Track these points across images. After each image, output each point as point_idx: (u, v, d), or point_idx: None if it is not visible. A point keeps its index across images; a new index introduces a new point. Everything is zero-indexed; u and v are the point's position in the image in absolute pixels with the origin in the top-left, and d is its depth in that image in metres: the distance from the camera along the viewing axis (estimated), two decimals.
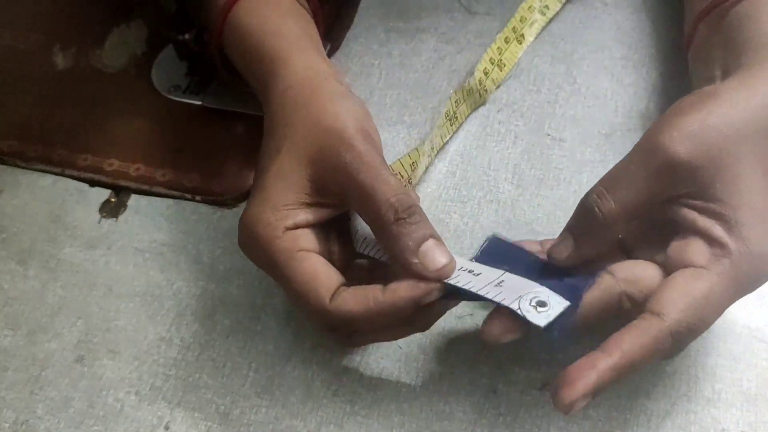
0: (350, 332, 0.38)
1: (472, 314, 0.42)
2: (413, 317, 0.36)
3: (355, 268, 0.40)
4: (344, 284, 0.36)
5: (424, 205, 0.46)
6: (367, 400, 0.40)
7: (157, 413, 0.40)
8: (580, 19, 0.56)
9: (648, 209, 0.36)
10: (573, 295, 0.34)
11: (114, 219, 0.48)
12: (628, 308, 0.35)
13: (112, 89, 0.54)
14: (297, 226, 0.37)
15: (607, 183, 0.36)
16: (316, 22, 0.47)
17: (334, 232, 0.39)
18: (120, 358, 0.42)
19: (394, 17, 0.57)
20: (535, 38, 0.54)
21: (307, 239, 0.37)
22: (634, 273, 0.36)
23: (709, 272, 0.34)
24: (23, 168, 0.51)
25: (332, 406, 0.40)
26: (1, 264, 0.46)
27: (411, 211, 0.36)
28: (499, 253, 0.39)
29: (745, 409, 0.39)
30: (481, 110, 0.51)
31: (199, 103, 0.53)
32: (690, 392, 0.39)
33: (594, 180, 0.37)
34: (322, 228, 0.38)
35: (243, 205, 0.48)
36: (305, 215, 0.37)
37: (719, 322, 0.41)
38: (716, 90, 0.37)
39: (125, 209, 0.48)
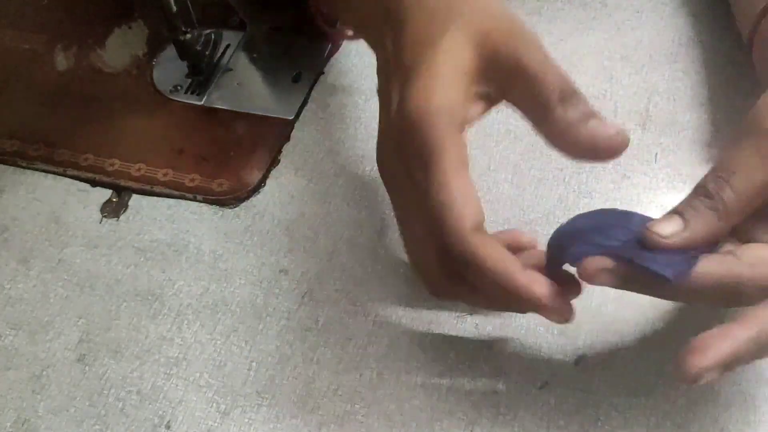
0: (453, 280, 0.35)
1: (471, 314, 0.42)
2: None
3: None
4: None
5: None
6: (367, 400, 0.40)
7: (158, 412, 0.40)
8: (580, 20, 0.56)
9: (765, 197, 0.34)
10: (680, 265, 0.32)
11: (115, 219, 0.48)
12: (742, 299, 0.33)
13: (114, 89, 0.55)
14: (464, 122, 0.35)
15: (723, 171, 0.34)
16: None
17: None
18: (121, 358, 0.42)
19: None
20: None
21: (466, 152, 0.35)
22: (763, 257, 0.33)
23: None
24: (25, 168, 0.51)
25: (332, 406, 0.40)
26: (2, 264, 0.47)
27: (575, 95, 0.34)
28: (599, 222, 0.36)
29: (744, 409, 0.39)
30: None
31: (200, 103, 0.53)
32: (690, 392, 0.39)
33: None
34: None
35: (244, 205, 0.48)
36: (473, 110, 0.36)
37: (719, 321, 0.41)
38: None
39: (126, 209, 0.49)
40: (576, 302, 0.41)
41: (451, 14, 0.37)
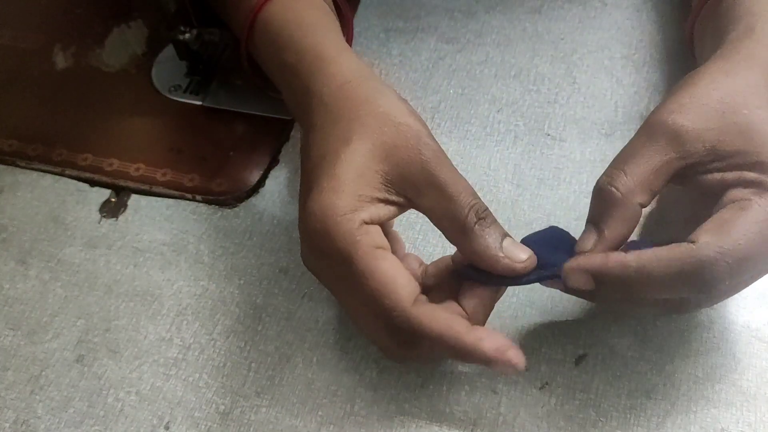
0: (408, 346, 0.36)
1: None
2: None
3: None
4: (421, 293, 0.36)
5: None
6: (367, 400, 0.40)
7: (158, 413, 0.40)
8: (580, 19, 0.56)
9: (664, 182, 0.36)
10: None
11: (114, 219, 0.48)
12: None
13: (113, 89, 0.55)
14: (372, 221, 0.36)
15: (617, 163, 0.36)
16: (346, 27, 0.47)
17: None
18: (120, 358, 0.42)
19: (394, 17, 0.57)
20: (536, 38, 0.55)
21: (381, 237, 0.36)
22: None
23: (750, 201, 0.34)
24: (23, 168, 0.51)
25: (332, 406, 0.40)
26: (1, 264, 0.46)
27: (486, 213, 0.36)
28: (551, 239, 0.39)
29: (745, 409, 0.39)
30: (481, 110, 0.51)
31: (199, 103, 0.53)
32: (690, 392, 0.39)
33: (594, 180, 0.37)
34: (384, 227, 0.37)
35: (243, 205, 0.48)
36: (378, 210, 0.36)
37: (719, 321, 0.41)
38: (701, 69, 0.38)
39: (125, 209, 0.48)
40: (577, 302, 0.42)
41: (353, 124, 0.37)
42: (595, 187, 0.37)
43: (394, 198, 0.37)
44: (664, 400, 0.39)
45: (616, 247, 0.36)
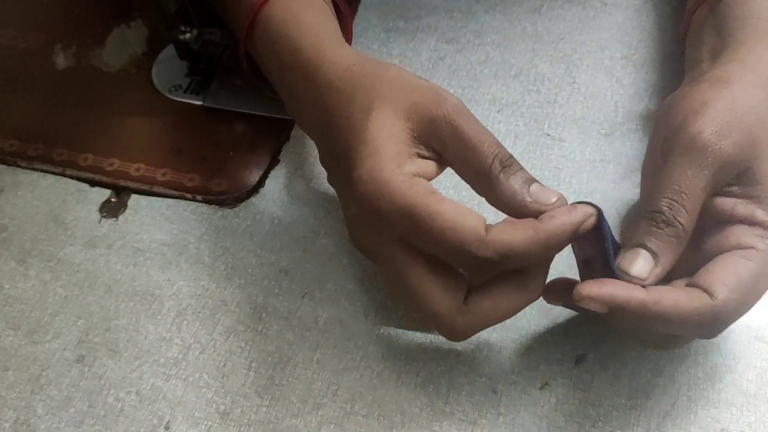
0: (468, 304, 0.36)
1: None
2: (526, 277, 0.36)
3: None
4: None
5: None
6: (367, 400, 0.40)
7: (158, 413, 0.40)
8: (580, 18, 0.56)
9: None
10: None
11: (114, 219, 0.48)
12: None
13: (113, 89, 0.55)
14: (419, 174, 0.36)
15: (675, 195, 0.35)
16: (346, 26, 0.47)
17: None
18: (120, 358, 0.42)
19: (394, 17, 0.57)
20: (536, 38, 0.55)
21: (431, 186, 0.36)
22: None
23: (758, 252, 0.34)
24: (24, 168, 0.51)
25: (332, 406, 0.40)
26: (1, 263, 0.46)
27: (511, 160, 0.36)
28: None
29: (745, 409, 0.39)
30: (481, 110, 0.51)
31: (199, 103, 0.53)
32: (690, 392, 0.39)
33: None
34: None
35: (243, 205, 0.48)
36: (420, 165, 0.36)
37: None
38: (726, 75, 0.38)
39: (125, 209, 0.48)
40: None
41: (371, 95, 0.37)
42: (655, 215, 0.35)
43: (426, 153, 0.37)
44: (664, 400, 0.39)
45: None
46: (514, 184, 0.35)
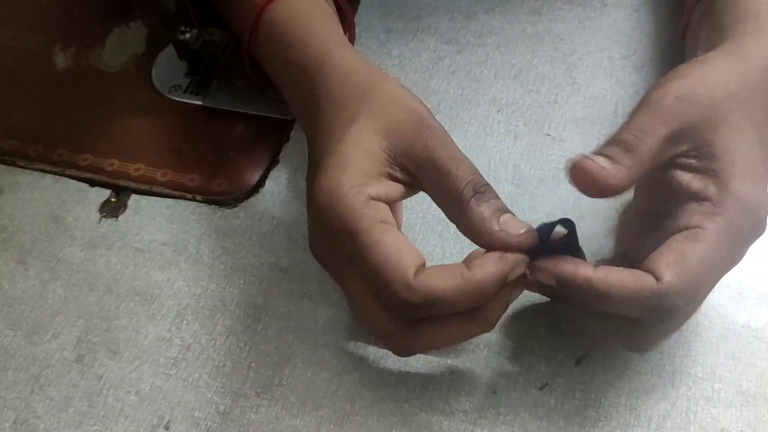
0: (414, 326, 0.36)
1: None
2: (480, 311, 0.35)
3: None
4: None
5: (423, 206, 0.46)
6: (367, 400, 0.40)
7: (158, 413, 0.40)
8: (580, 19, 0.56)
9: (656, 167, 0.36)
10: None
11: (114, 219, 0.48)
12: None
13: (113, 89, 0.55)
14: (379, 198, 0.36)
15: (636, 130, 0.35)
16: (348, 26, 0.47)
17: None
18: (120, 358, 0.42)
19: (394, 17, 0.57)
20: (536, 39, 0.55)
21: (388, 214, 0.36)
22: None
23: (703, 231, 0.34)
24: (23, 168, 0.51)
25: (332, 406, 0.40)
26: (1, 264, 0.46)
27: (486, 188, 0.36)
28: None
29: (744, 409, 0.39)
30: (481, 110, 0.51)
31: (199, 103, 0.53)
32: (690, 392, 0.39)
33: None
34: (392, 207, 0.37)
35: (243, 205, 0.48)
36: (385, 187, 0.36)
37: (719, 321, 0.41)
38: (706, 57, 0.38)
39: (125, 209, 0.48)
40: None
41: (359, 106, 0.38)
42: (618, 139, 0.35)
43: (398, 175, 0.37)
44: (664, 400, 0.39)
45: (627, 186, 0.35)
46: (484, 211, 0.35)
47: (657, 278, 0.33)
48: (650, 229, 0.38)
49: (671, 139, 0.35)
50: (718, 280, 0.35)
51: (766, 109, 0.37)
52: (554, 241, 0.35)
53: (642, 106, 0.36)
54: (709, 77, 0.36)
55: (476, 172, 0.36)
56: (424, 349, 0.39)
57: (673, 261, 0.34)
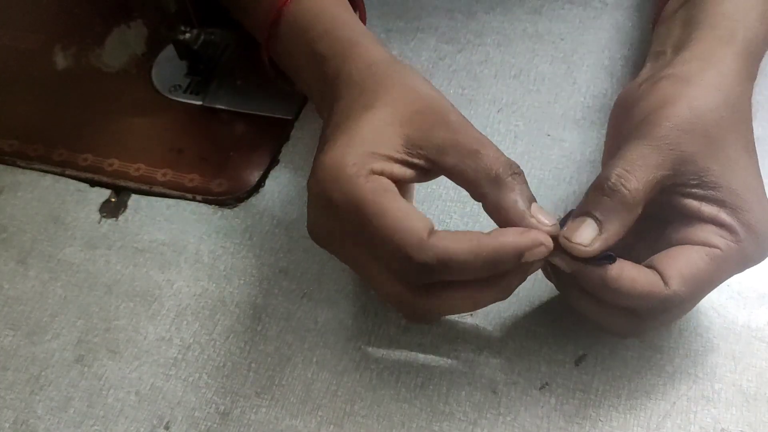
0: (428, 290, 0.35)
1: (471, 314, 0.42)
2: (497, 279, 0.35)
3: None
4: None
5: (424, 206, 0.46)
6: (367, 400, 0.40)
7: (157, 413, 0.40)
8: (580, 19, 0.56)
9: (655, 194, 0.36)
10: None
11: (114, 219, 0.48)
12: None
13: (113, 89, 0.55)
14: (383, 173, 0.36)
15: (627, 166, 0.35)
16: (360, 18, 0.47)
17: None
18: (120, 358, 0.42)
19: (394, 17, 0.57)
20: (536, 38, 0.55)
21: (392, 186, 0.35)
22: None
23: (722, 254, 0.35)
24: (23, 168, 0.51)
25: (332, 406, 0.40)
26: (1, 264, 0.46)
27: (521, 170, 0.36)
28: None
29: (745, 409, 0.39)
30: (481, 110, 0.51)
31: (199, 103, 0.53)
32: (690, 392, 0.39)
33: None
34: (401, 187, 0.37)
35: (243, 205, 0.48)
36: (391, 167, 0.36)
37: (719, 321, 0.41)
38: (686, 73, 0.38)
39: (125, 209, 0.48)
40: None
41: (378, 94, 0.38)
42: (601, 182, 0.35)
43: (415, 161, 0.36)
44: (664, 400, 0.39)
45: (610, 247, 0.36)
46: (519, 194, 0.35)
47: (666, 282, 0.34)
48: (638, 229, 0.38)
49: (667, 170, 0.35)
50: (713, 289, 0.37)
51: (748, 124, 0.38)
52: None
53: (634, 136, 0.36)
54: (699, 103, 0.36)
55: (503, 154, 0.36)
56: (438, 315, 0.38)
57: (686, 272, 0.35)
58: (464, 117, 0.37)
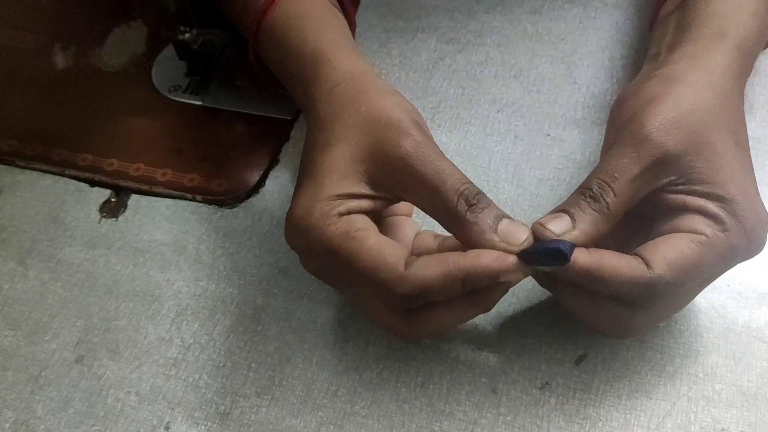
0: (414, 315, 0.36)
1: None
2: (479, 295, 0.36)
3: None
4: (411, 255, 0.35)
5: None
6: (367, 400, 0.40)
7: (157, 413, 0.40)
8: (581, 18, 0.56)
9: (637, 202, 0.36)
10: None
11: (114, 219, 0.48)
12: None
13: (113, 89, 0.55)
14: (350, 212, 0.36)
15: (607, 177, 0.36)
16: (349, 23, 0.47)
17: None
18: (120, 358, 0.42)
19: (394, 17, 0.57)
20: (536, 38, 0.55)
21: (363, 221, 0.36)
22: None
23: (708, 240, 0.35)
24: (23, 168, 0.51)
25: (332, 406, 0.40)
26: (1, 264, 0.46)
27: (479, 197, 0.35)
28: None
29: (745, 409, 0.39)
30: (481, 110, 0.51)
31: (199, 103, 0.53)
32: (690, 392, 0.39)
33: None
34: (373, 215, 0.37)
35: (243, 205, 0.48)
36: (358, 204, 0.36)
37: (719, 321, 0.41)
38: (675, 72, 0.38)
39: (125, 209, 0.48)
40: None
41: (335, 128, 0.38)
42: (584, 190, 0.36)
43: (381, 194, 0.37)
44: (664, 400, 0.39)
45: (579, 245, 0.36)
46: (482, 223, 0.35)
47: (649, 266, 0.34)
48: (629, 227, 0.38)
49: (651, 176, 0.36)
50: (704, 287, 0.37)
51: (739, 120, 0.38)
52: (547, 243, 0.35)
53: (620, 138, 0.36)
54: (685, 100, 0.37)
55: (466, 181, 0.36)
56: (429, 335, 0.38)
57: (669, 255, 0.34)
58: (423, 138, 0.36)
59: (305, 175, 0.38)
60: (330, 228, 0.35)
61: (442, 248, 0.39)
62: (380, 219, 0.40)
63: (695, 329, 0.41)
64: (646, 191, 0.36)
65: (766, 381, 0.40)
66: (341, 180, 0.36)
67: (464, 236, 0.35)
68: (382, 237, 0.36)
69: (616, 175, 0.35)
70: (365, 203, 0.37)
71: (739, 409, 0.39)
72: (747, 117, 0.47)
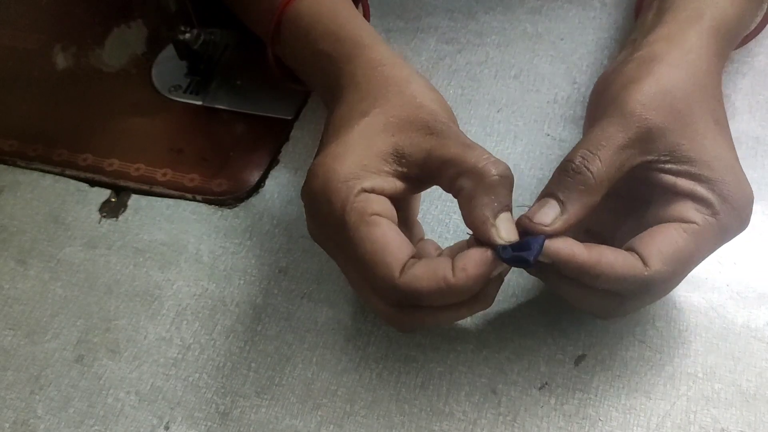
0: (409, 312, 0.36)
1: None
2: (471, 299, 0.36)
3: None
4: (414, 255, 0.35)
5: (424, 205, 0.46)
6: (366, 400, 0.40)
7: (157, 413, 0.40)
8: (580, 18, 0.56)
9: (623, 175, 0.36)
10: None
11: (114, 219, 0.48)
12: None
13: (113, 89, 0.55)
14: (374, 190, 0.36)
15: (591, 147, 0.36)
16: (364, 13, 0.48)
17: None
18: (120, 358, 0.42)
19: (394, 17, 0.57)
20: (536, 38, 0.55)
21: (381, 204, 0.36)
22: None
23: (700, 228, 0.35)
24: (23, 168, 0.51)
25: (332, 406, 0.40)
26: (1, 264, 0.46)
27: (507, 174, 0.35)
28: None
29: (744, 409, 0.39)
30: (481, 110, 0.51)
31: (199, 103, 0.53)
32: (689, 392, 0.39)
33: None
34: (394, 202, 0.37)
35: (243, 205, 0.48)
36: (383, 182, 0.36)
37: (719, 321, 0.41)
38: (651, 54, 0.39)
39: (125, 209, 0.48)
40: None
41: (376, 101, 0.38)
42: (567, 164, 0.36)
43: (405, 170, 0.37)
44: (664, 400, 0.39)
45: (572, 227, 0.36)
46: (494, 200, 0.35)
47: (645, 263, 0.35)
48: (622, 211, 0.39)
49: (635, 148, 0.36)
50: (696, 266, 0.37)
51: (717, 99, 0.39)
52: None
53: (602, 116, 0.37)
54: (665, 79, 0.37)
55: (495, 158, 0.36)
56: (422, 328, 0.39)
57: (664, 250, 0.35)
58: (456, 126, 0.37)
59: (337, 135, 0.37)
60: (349, 201, 0.35)
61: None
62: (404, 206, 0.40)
63: (695, 329, 0.41)
64: (631, 165, 0.36)
65: (765, 381, 0.40)
66: (371, 149, 0.36)
67: (470, 218, 0.35)
68: (393, 229, 0.35)
69: (603, 143, 0.36)
70: (389, 184, 0.36)
71: (739, 409, 0.39)
72: (747, 117, 0.47)
